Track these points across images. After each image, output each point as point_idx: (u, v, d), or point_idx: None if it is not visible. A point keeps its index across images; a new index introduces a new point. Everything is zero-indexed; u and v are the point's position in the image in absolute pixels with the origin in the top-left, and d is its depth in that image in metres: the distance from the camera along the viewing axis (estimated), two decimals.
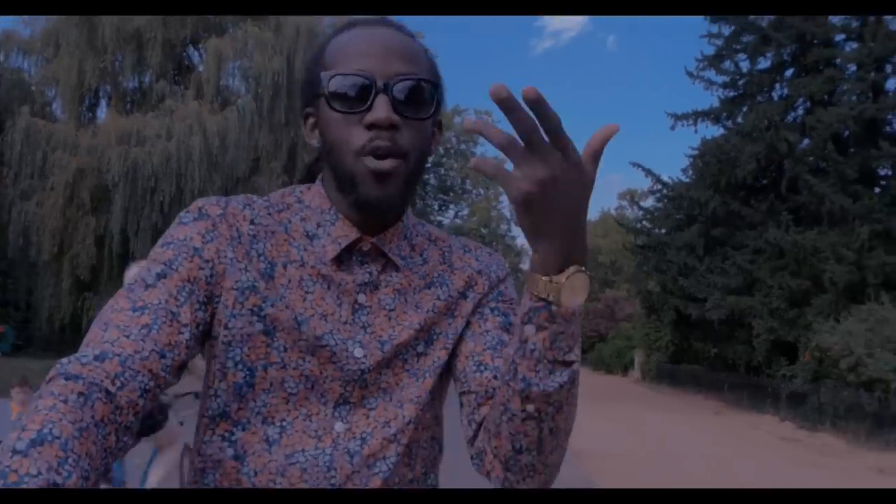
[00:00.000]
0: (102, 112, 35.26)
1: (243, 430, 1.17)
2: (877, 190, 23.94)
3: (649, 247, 30.84)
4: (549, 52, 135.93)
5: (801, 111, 26.46)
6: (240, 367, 1.17)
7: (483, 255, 1.35)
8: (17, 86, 33.65)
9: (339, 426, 1.19)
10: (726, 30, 27.77)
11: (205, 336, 1.18)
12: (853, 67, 24.99)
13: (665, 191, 30.32)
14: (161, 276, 1.13)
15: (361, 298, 1.22)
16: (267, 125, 30.23)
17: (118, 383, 0.98)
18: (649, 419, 20.06)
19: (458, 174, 64.26)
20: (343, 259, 1.22)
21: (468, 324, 1.28)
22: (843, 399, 17.72)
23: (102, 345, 1.03)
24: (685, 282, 26.64)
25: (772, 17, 25.60)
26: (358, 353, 1.19)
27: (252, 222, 1.22)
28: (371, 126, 1.13)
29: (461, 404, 1.25)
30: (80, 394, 0.93)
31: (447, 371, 1.28)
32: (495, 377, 1.20)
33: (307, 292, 1.20)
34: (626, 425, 18.12)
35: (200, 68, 34.67)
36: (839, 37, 25.73)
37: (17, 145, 29.23)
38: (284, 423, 1.17)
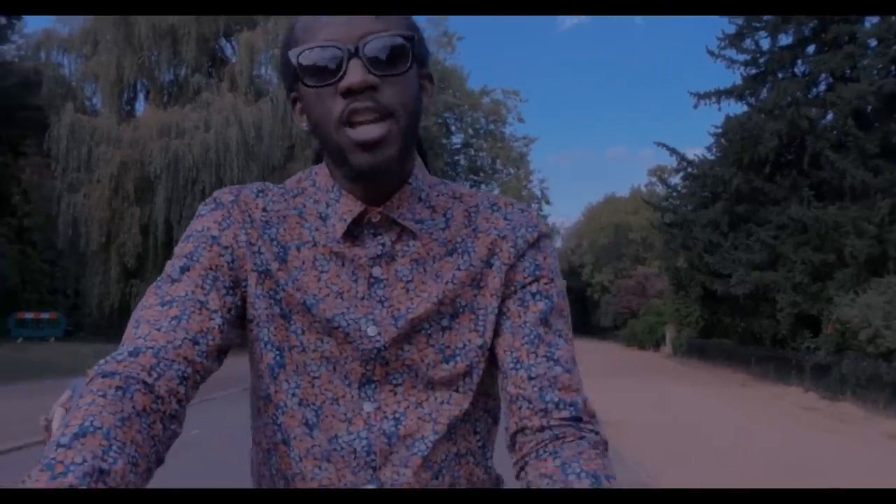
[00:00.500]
0: (141, 106, 36.15)
1: (283, 413, 1.18)
2: None
3: (676, 224, 31.19)
4: (578, 26, 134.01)
5: (822, 87, 26.56)
6: (269, 346, 1.18)
7: (513, 214, 1.25)
8: (58, 82, 34.58)
9: (367, 406, 1.17)
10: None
11: (241, 320, 1.19)
12: (874, 42, 25.08)
13: (690, 169, 30.60)
14: (184, 269, 1.14)
15: (377, 272, 1.18)
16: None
17: (155, 374, 1.00)
18: (678, 392, 20.53)
19: (488, 154, 64.45)
20: (356, 234, 1.19)
21: (507, 311, 1.21)
22: (864, 369, 18.06)
23: (136, 341, 1.05)
24: (710, 258, 27.00)
25: None
26: (371, 331, 1.16)
27: (264, 209, 1.22)
28: (347, 92, 1.08)
29: (502, 396, 1.22)
30: (118, 388, 0.95)
31: (490, 354, 1.22)
32: (530, 377, 1.16)
33: (322, 272, 1.18)
34: (657, 397, 18.63)
35: (233, 60, 35.35)
36: None
37: (63, 140, 30.19)
38: (316, 406, 1.17)
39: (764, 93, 27.42)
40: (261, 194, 1.23)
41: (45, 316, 33.02)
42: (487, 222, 1.23)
